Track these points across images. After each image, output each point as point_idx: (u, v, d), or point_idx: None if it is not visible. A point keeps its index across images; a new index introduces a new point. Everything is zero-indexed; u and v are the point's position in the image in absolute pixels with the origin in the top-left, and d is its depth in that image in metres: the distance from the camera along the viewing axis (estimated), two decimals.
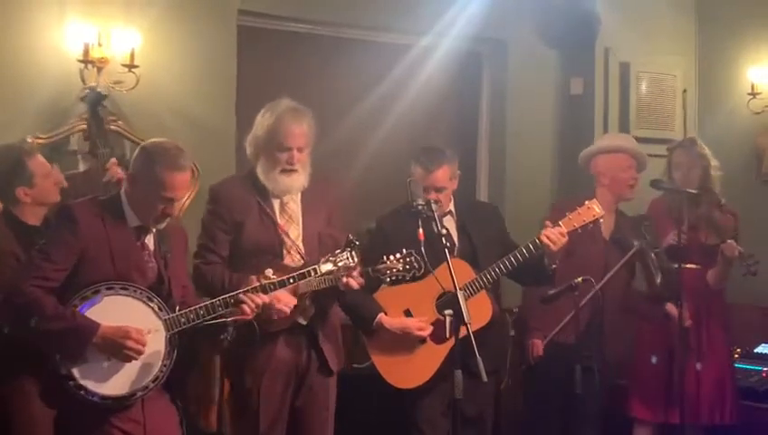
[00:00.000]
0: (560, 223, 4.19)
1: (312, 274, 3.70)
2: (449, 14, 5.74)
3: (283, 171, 3.86)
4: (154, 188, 3.39)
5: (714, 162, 5.02)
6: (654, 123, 6.26)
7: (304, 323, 3.88)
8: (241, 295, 3.50)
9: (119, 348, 3.27)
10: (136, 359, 3.31)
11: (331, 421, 4.02)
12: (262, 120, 3.92)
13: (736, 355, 5.49)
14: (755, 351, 5.50)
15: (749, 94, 6.03)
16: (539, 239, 4.16)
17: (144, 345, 3.31)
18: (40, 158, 3.96)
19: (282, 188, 3.90)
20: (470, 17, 5.77)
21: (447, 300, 3.93)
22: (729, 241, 4.86)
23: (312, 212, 3.96)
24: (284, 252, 3.88)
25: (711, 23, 6.42)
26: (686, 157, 4.98)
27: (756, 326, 5.82)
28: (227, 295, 3.51)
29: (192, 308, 3.45)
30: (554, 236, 4.15)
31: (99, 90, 4.67)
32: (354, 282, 3.82)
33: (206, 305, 3.46)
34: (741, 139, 6.17)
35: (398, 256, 3.89)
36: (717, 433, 5.03)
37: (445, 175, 4.28)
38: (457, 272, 3.78)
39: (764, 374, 5.22)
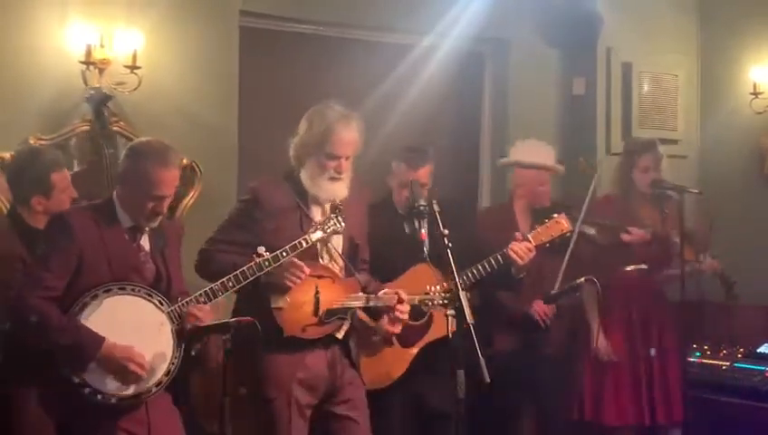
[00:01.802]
0: (528, 237, 4.26)
1: (304, 244, 3.63)
2: (451, 14, 5.74)
3: (331, 179, 3.82)
4: (143, 187, 3.39)
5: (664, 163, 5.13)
6: (656, 123, 6.26)
7: (340, 337, 3.83)
8: (237, 274, 3.50)
9: (121, 368, 3.29)
10: (134, 381, 3.30)
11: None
12: (311, 125, 3.85)
13: (739, 355, 5.50)
14: (758, 351, 5.49)
15: (751, 94, 6.01)
16: (506, 253, 4.22)
17: (146, 370, 3.32)
18: (65, 172, 3.98)
19: (327, 196, 3.84)
20: (472, 17, 5.77)
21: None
22: (711, 260, 4.99)
23: (350, 219, 3.90)
24: (326, 257, 3.84)
25: (713, 22, 6.42)
26: (653, 161, 5.04)
27: (759, 326, 5.82)
28: (224, 278, 3.49)
29: (192, 296, 3.46)
30: (521, 250, 4.21)
31: (104, 90, 4.67)
32: (402, 315, 3.87)
33: (205, 291, 3.46)
34: (743, 138, 6.17)
35: (438, 287, 3.92)
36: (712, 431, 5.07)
37: (427, 173, 4.39)
38: (424, 277, 3.94)
39: (767, 374, 5.22)
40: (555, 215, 4.37)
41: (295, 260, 3.65)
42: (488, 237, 4.51)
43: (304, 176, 3.84)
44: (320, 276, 3.76)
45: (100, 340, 3.26)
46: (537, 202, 4.93)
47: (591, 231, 4.83)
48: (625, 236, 4.93)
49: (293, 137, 3.91)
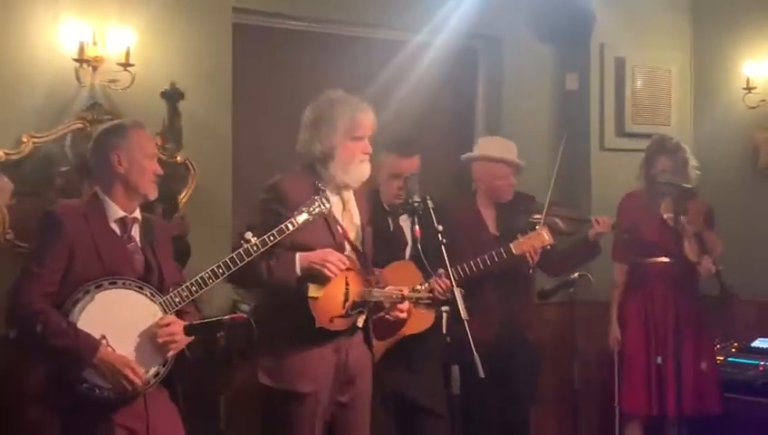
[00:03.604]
0: (510, 245, 4.57)
1: (291, 227, 3.59)
2: (444, 10, 5.73)
3: (362, 161, 3.86)
4: (137, 154, 3.43)
5: (693, 162, 5.18)
6: (649, 119, 6.27)
7: (360, 325, 3.87)
8: (226, 261, 3.49)
9: (116, 374, 3.28)
10: (129, 389, 3.30)
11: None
12: (331, 115, 3.84)
13: (733, 350, 5.51)
14: (752, 345, 5.52)
15: (744, 89, 6.02)
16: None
17: (141, 378, 3.32)
18: None
19: (359, 179, 3.88)
20: (465, 13, 5.77)
21: None
22: (706, 259, 5.03)
23: (362, 208, 3.96)
24: (347, 249, 3.83)
25: (706, 17, 6.43)
26: (670, 165, 5.12)
27: (753, 320, 5.84)
28: (215, 266, 3.47)
29: (184, 285, 3.46)
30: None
31: (178, 87, 4.64)
32: (401, 314, 3.91)
33: (196, 280, 3.45)
34: (736, 133, 6.18)
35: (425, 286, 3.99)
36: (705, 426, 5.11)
37: (417, 162, 4.40)
38: (403, 273, 4.01)
39: (761, 368, 5.23)
40: (538, 227, 4.67)
41: (335, 252, 3.70)
42: (455, 234, 4.54)
43: (336, 165, 3.83)
44: (348, 269, 3.78)
45: (95, 345, 3.26)
46: (497, 196, 4.97)
47: (557, 221, 4.94)
48: (591, 231, 5.03)
49: (308, 131, 3.90)
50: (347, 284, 3.78)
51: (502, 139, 5.20)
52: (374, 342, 4.09)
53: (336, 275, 3.71)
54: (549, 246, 4.68)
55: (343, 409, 3.89)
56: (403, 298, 3.88)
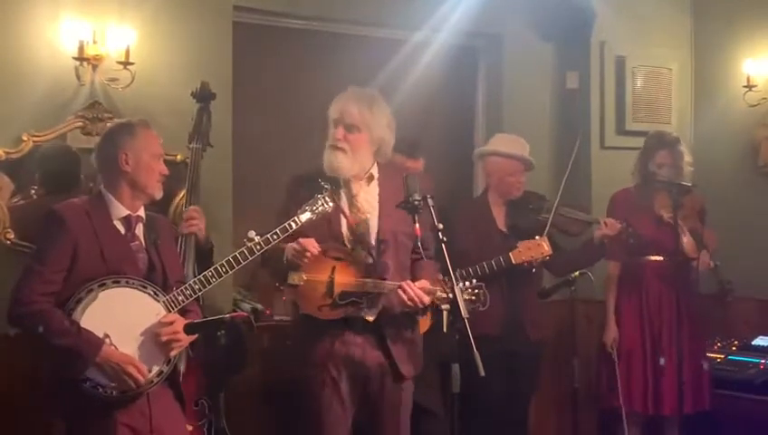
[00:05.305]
0: (510, 254, 4.61)
1: (293, 225, 3.58)
2: (445, 9, 5.73)
3: (331, 147, 3.77)
4: (145, 154, 3.47)
5: (688, 158, 5.17)
6: (649, 117, 6.26)
7: (370, 319, 3.79)
8: (229, 259, 3.51)
9: (119, 372, 3.29)
10: (133, 386, 3.31)
11: (404, 429, 3.90)
12: None
13: (734, 348, 5.51)
14: (753, 343, 5.52)
15: (744, 87, 6.02)
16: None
17: (145, 376, 3.33)
18: None
19: (327, 165, 3.77)
20: (465, 12, 5.76)
21: None
22: (703, 254, 5.02)
23: (390, 206, 3.83)
24: (353, 241, 3.79)
25: (706, 16, 6.43)
26: (669, 158, 5.11)
27: (754, 318, 5.84)
28: (217, 264, 3.49)
29: (186, 284, 3.47)
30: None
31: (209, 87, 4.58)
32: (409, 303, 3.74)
33: (199, 279, 3.47)
34: (737, 131, 6.18)
35: (467, 284, 3.90)
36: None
37: (421, 165, 4.47)
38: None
39: (762, 366, 5.23)
40: (537, 237, 4.67)
41: (302, 240, 3.64)
42: (465, 230, 4.65)
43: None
44: (338, 258, 3.75)
45: (98, 344, 3.26)
46: (506, 192, 5.00)
47: (564, 222, 5.02)
48: (597, 232, 5.04)
49: None
50: (332, 272, 3.73)
51: (516, 137, 5.21)
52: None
53: (303, 262, 3.65)
54: (548, 257, 4.70)
55: (368, 417, 3.85)
56: (400, 288, 3.72)
